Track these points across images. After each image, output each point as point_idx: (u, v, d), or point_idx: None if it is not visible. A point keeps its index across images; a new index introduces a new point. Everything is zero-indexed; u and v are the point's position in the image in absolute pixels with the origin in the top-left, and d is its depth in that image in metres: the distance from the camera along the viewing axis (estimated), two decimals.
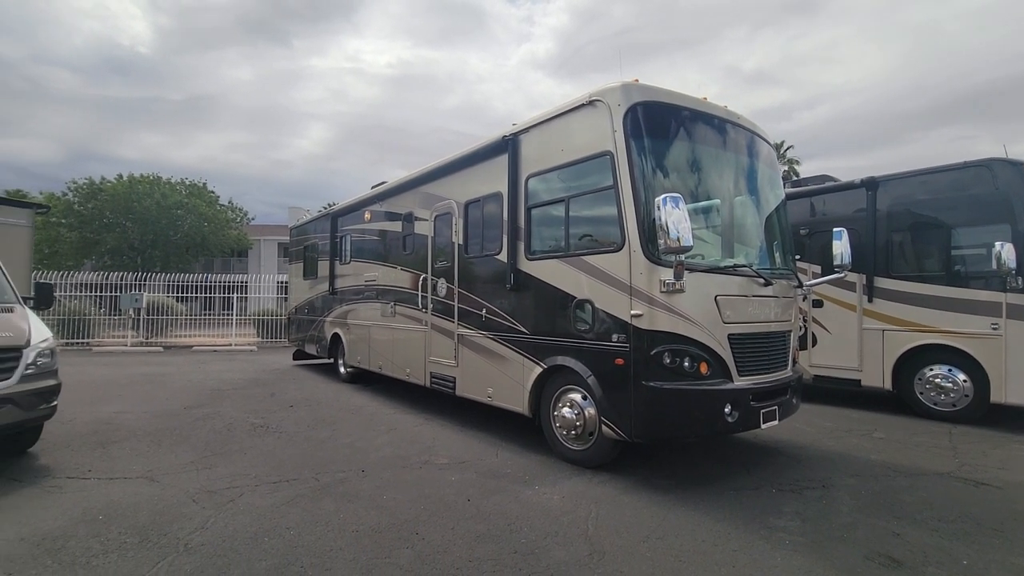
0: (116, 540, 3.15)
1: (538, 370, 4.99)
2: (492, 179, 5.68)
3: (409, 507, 3.69)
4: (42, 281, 5.56)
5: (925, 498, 3.98)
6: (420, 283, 6.93)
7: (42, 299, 5.56)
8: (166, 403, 7.39)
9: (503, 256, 5.44)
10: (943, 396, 6.56)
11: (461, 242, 6.18)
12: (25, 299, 5.32)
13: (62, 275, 17.63)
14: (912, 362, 6.81)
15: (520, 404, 5.22)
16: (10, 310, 4.79)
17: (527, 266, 5.18)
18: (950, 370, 6.53)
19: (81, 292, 17.28)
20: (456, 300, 6.17)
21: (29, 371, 4.43)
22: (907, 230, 7.08)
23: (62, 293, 16.95)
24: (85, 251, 28.30)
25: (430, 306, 6.71)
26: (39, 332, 4.70)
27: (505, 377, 5.42)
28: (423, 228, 7.00)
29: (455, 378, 6.22)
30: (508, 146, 5.40)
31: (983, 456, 5.09)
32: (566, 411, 4.69)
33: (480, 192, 5.91)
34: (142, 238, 28.45)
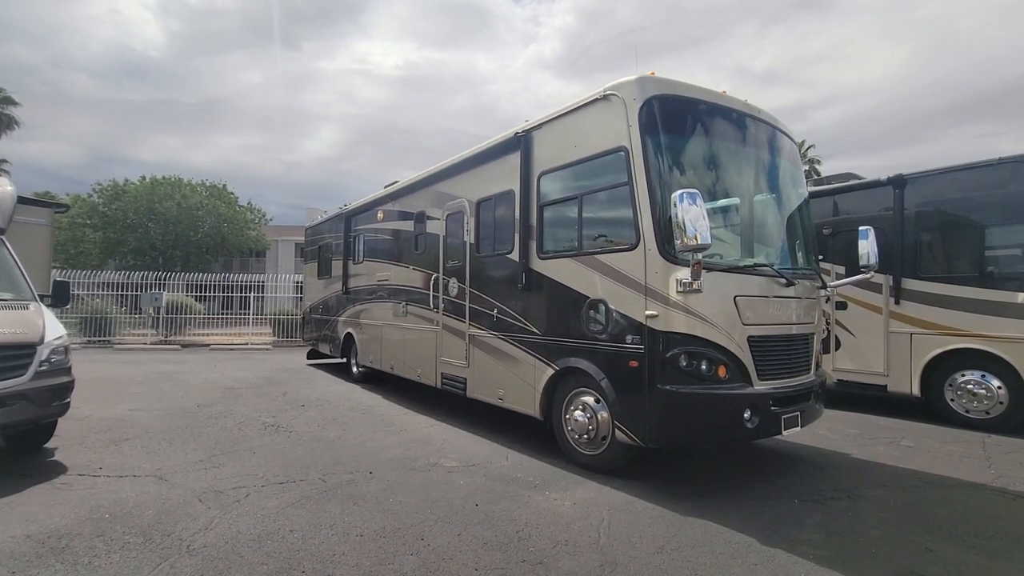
0: (120, 540, 3.12)
1: (550, 372, 4.87)
2: (504, 177, 5.58)
3: (416, 511, 3.60)
4: (59, 279, 5.60)
5: (959, 511, 3.76)
6: (432, 283, 6.86)
7: (59, 297, 5.61)
8: (180, 401, 7.44)
9: (515, 255, 5.33)
10: (976, 403, 6.27)
11: (473, 241, 6.08)
12: (43, 297, 5.37)
13: (86, 274, 18.03)
14: (942, 367, 6.52)
15: (531, 407, 5.10)
16: (25, 307, 4.83)
17: (539, 265, 5.06)
18: (983, 376, 6.23)
19: (104, 291, 17.67)
20: (467, 300, 6.08)
21: (43, 368, 4.44)
22: (937, 229, 6.80)
23: (86, 292, 17.37)
24: (109, 251, 28.96)
25: (442, 306, 6.63)
26: (53, 329, 4.73)
27: (516, 379, 5.31)
28: (435, 227, 6.93)
29: (466, 379, 6.13)
30: (520, 143, 5.29)
31: (1020, 467, 4.82)
32: (578, 414, 4.57)
33: (492, 191, 5.82)
34: (164, 238, 29.03)
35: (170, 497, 3.80)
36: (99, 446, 5.12)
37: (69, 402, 4.76)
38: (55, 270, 21.79)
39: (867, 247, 5.05)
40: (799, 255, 4.97)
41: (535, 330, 5.09)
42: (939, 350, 6.50)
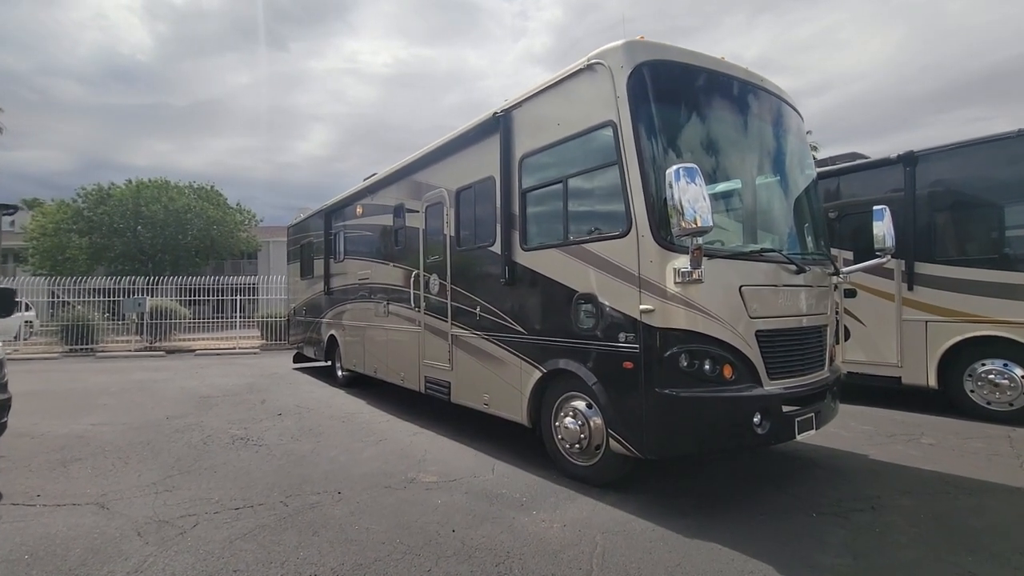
0: None
1: (537, 375, 4.42)
2: (484, 163, 5.11)
3: (382, 540, 3.16)
4: (3, 287, 5.13)
5: (998, 523, 3.33)
6: (412, 280, 6.40)
7: (2, 306, 5.14)
8: (150, 413, 6.98)
9: (497, 248, 4.87)
10: (998, 394, 5.84)
11: (453, 234, 5.62)
12: None
13: (72, 280, 17.52)
14: (961, 356, 6.08)
15: (518, 413, 4.66)
16: None
17: (523, 258, 4.60)
18: (1006, 365, 5.80)
19: (90, 297, 17.15)
20: (449, 298, 5.62)
21: None
22: (952, 209, 6.34)
23: (73, 298, 16.86)
24: (96, 256, 28.38)
25: (423, 305, 6.18)
26: None
27: (502, 382, 4.86)
28: (414, 220, 6.46)
29: (450, 383, 5.68)
30: (500, 124, 4.82)
31: None
32: (569, 421, 4.12)
33: (472, 178, 5.35)
34: (152, 242, 28.47)
35: (106, 530, 3.35)
36: (45, 468, 4.66)
37: (6, 422, 4.30)
38: (40, 277, 21.38)
39: (883, 228, 4.59)
40: (808, 239, 4.52)
41: (520, 329, 4.64)
42: (957, 338, 6.06)
